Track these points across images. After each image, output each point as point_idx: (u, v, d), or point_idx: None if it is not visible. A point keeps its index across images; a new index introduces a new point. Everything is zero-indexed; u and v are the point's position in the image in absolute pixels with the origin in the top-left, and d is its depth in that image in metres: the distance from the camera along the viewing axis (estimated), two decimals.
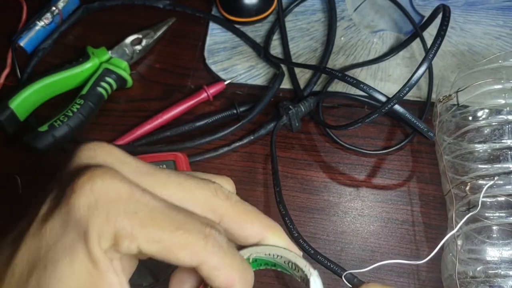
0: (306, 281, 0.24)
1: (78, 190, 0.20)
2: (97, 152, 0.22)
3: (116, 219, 0.20)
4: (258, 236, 0.24)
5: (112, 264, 0.20)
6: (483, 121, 0.42)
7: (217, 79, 0.53)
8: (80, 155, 0.22)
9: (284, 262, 0.24)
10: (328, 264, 0.38)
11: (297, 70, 0.53)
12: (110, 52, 0.52)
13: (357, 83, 0.44)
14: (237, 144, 0.49)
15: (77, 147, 0.22)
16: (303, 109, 0.48)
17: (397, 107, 0.44)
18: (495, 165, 0.41)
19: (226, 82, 0.52)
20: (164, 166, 0.43)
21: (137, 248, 0.20)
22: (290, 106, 0.48)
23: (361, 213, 0.47)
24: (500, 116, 0.42)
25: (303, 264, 0.24)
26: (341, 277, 0.33)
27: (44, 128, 0.46)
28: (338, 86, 0.52)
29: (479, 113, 0.43)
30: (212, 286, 0.22)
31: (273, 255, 0.24)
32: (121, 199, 0.20)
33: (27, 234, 0.21)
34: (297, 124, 0.48)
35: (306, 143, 0.50)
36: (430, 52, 0.41)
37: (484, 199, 0.40)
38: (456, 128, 0.44)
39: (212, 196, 0.23)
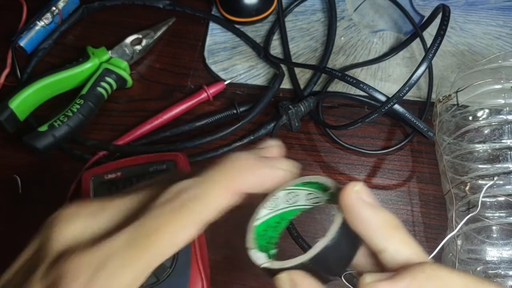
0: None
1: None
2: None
3: None
4: None
5: None
6: (483, 121, 0.42)
7: (217, 79, 0.53)
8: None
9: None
10: None
11: (297, 70, 0.53)
12: (110, 52, 0.52)
13: (357, 83, 0.44)
14: (237, 144, 0.49)
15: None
16: (302, 109, 0.48)
17: (397, 106, 0.44)
18: (495, 165, 0.41)
19: (226, 82, 0.52)
20: (164, 166, 0.43)
21: None
22: (290, 106, 0.48)
23: None
24: (500, 116, 0.42)
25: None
26: (341, 277, 0.33)
27: (44, 128, 0.46)
28: (338, 86, 0.52)
29: (479, 113, 0.43)
30: None
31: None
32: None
33: None
34: (296, 124, 0.48)
35: (306, 143, 0.50)
36: (429, 51, 0.41)
37: (484, 199, 0.40)
38: (456, 128, 0.44)
39: None
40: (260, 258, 0.24)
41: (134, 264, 0.21)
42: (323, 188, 0.25)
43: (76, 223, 0.22)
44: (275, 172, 0.24)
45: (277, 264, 0.23)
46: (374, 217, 0.23)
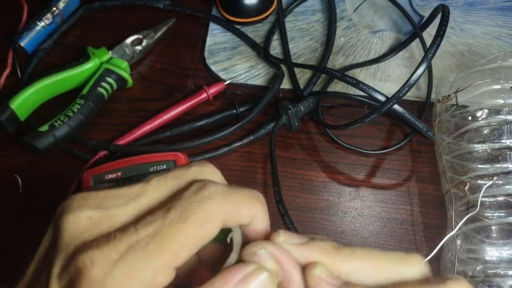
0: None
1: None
2: None
3: None
4: None
5: None
6: (482, 121, 0.42)
7: (217, 79, 0.53)
8: None
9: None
10: None
11: (297, 70, 0.53)
12: (110, 52, 0.52)
13: (356, 83, 0.44)
14: (237, 144, 0.49)
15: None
16: (302, 109, 0.48)
17: (396, 107, 0.44)
18: (494, 165, 0.41)
19: (226, 82, 0.52)
20: (164, 166, 0.43)
21: None
22: (290, 106, 0.48)
23: (361, 213, 0.47)
24: (499, 116, 0.42)
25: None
26: None
27: (44, 128, 0.46)
28: (337, 86, 0.52)
29: (478, 113, 0.43)
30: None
31: None
32: None
33: None
34: (296, 124, 0.48)
35: (305, 143, 0.50)
36: (429, 52, 0.41)
37: (483, 199, 0.40)
38: (455, 128, 0.44)
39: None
40: None
41: (157, 257, 0.20)
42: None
43: (86, 213, 0.22)
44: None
45: None
46: None
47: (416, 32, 0.53)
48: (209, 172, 0.24)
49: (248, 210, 0.24)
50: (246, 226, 0.24)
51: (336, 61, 0.54)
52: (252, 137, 0.49)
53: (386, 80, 0.52)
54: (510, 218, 0.40)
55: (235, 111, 0.50)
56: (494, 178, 0.41)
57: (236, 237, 0.24)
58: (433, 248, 0.40)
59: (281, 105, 0.49)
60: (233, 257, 0.23)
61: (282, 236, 0.24)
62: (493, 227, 0.41)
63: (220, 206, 0.22)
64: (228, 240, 0.24)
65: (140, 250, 0.20)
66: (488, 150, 0.42)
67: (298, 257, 0.23)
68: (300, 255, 0.23)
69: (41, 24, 0.53)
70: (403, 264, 0.23)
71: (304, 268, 0.23)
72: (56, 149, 0.48)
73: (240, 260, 0.23)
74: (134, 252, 0.20)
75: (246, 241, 0.24)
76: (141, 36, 0.54)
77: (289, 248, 0.23)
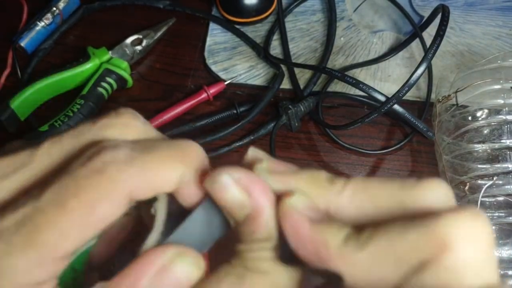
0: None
1: None
2: None
3: None
4: None
5: None
6: (482, 121, 0.42)
7: (217, 79, 0.53)
8: None
9: None
10: None
11: (297, 70, 0.53)
12: (110, 52, 0.52)
13: (356, 83, 0.44)
14: (237, 144, 0.49)
15: None
16: (302, 109, 0.48)
17: (396, 107, 0.44)
18: (494, 165, 0.41)
19: (226, 82, 0.52)
20: None
21: None
22: (290, 106, 0.48)
23: None
24: (499, 116, 0.42)
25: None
26: None
27: (44, 128, 0.46)
28: (338, 86, 0.52)
29: (478, 113, 0.43)
30: None
31: None
32: None
33: None
34: (296, 124, 0.48)
35: (305, 143, 0.50)
36: (429, 52, 0.42)
37: (483, 199, 0.41)
38: (455, 128, 0.44)
39: None
40: None
41: (25, 252, 0.17)
42: None
43: None
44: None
45: None
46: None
47: (416, 32, 0.53)
48: (119, 127, 0.20)
49: (166, 176, 0.19)
50: (177, 193, 0.20)
51: (336, 61, 0.54)
52: (252, 137, 0.49)
53: (386, 80, 0.52)
54: (510, 218, 0.41)
55: (235, 111, 0.50)
56: (494, 178, 0.41)
57: (160, 210, 0.20)
58: None
59: (281, 105, 0.49)
60: (153, 237, 0.19)
61: (265, 164, 0.20)
62: (493, 227, 0.41)
63: (117, 179, 0.18)
64: (152, 211, 0.20)
65: (3, 243, 0.17)
66: (488, 150, 0.42)
67: (279, 187, 0.19)
68: (283, 185, 0.19)
69: (41, 24, 0.53)
70: (413, 190, 0.18)
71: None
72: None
73: (161, 241, 0.19)
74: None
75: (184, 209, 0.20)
76: (141, 36, 0.54)
77: (267, 177, 0.19)
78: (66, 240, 0.17)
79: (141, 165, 0.18)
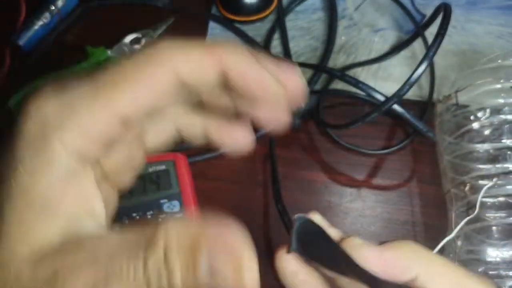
0: None
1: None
2: None
3: None
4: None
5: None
6: (483, 121, 0.42)
7: None
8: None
9: None
10: None
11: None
12: (109, 51, 0.52)
13: (356, 83, 0.43)
14: None
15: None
16: (303, 106, 0.48)
17: (396, 107, 0.43)
18: (494, 165, 0.41)
19: None
20: (163, 166, 0.43)
21: None
22: None
23: (362, 213, 0.46)
24: (500, 116, 0.42)
25: None
26: None
27: None
28: (338, 86, 0.52)
29: (479, 113, 0.43)
30: None
31: None
32: None
33: None
34: (297, 121, 0.48)
35: (306, 143, 0.50)
36: (430, 50, 0.41)
37: (484, 199, 0.40)
38: (456, 128, 0.43)
39: None
40: None
41: (103, 107, 0.19)
42: None
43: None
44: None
45: None
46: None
47: (418, 31, 0.52)
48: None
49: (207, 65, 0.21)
50: (229, 77, 0.21)
51: (337, 60, 0.53)
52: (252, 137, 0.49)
53: (388, 79, 0.52)
54: (511, 218, 0.40)
55: None
56: (494, 179, 0.40)
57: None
58: (433, 249, 0.40)
59: None
60: None
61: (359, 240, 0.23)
62: (494, 228, 0.40)
63: (165, 55, 0.21)
64: None
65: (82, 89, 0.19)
66: (490, 151, 0.42)
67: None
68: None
69: (39, 23, 0.53)
70: None
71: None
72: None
73: None
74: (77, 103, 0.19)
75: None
76: (140, 35, 0.53)
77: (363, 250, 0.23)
78: (135, 100, 0.19)
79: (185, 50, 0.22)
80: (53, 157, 0.18)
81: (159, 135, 0.26)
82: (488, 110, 0.43)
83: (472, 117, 0.43)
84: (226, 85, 0.22)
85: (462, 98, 0.44)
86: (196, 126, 0.26)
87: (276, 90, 0.22)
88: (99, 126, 0.19)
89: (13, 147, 0.19)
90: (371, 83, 0.45)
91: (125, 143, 0.22)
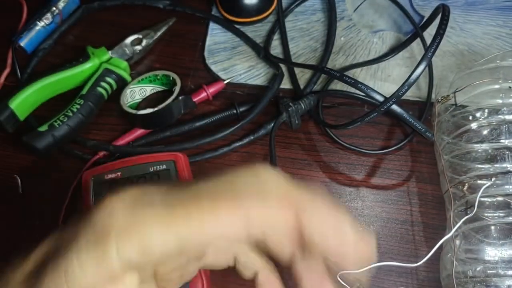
0: None
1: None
2: None
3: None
4: None
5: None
6: (481, 121, 0.42)
7: (217, 79, 0.53)
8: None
9: None
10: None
11: (297, 70, 0.53)
12: (110, 52, 0.52)
13: (355, 83, 0.44)
14: (237, 144, 0.49)
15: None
16: (303, 107, 0.48)
17: (395, 107, 0.44)
18: (493, 165, 0.41)
19: (225, 81, 0.52)
20: (164, 166, 0.43)
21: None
22: (290, 104, 0.48)
23: (361, 213, 0.47)
24: (498, 116, 0.42)
25: None
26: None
27: (44, 128, 0.46)
28: (338, 87, 0.52)
29: (478, 113, 0.43)
30: None
31: None
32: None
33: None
34: (296, 122, 0.48)
35: (305, 143, 0.50)
36: (429, 50, 0.41)
37: (483, 199, 0.40)
38: (455, 128, 0.44)
39: None
40: None
41: (169, 233, 0.20)
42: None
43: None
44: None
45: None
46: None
47: (417, 31, 0.52)
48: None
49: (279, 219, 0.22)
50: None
51: (337, 61, 0.54)
52: (252, 137, 0.49)
53: (386, 80, 0.52)
54: (509, 218, 0.40)
55: (235, 111, 0.50)
56: (493, 179, 0.40)
57: None
58: (432, 248, 0.40)
59: (282, 102, 0.49)
60: None
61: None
62: (492, 227, 0.41)
63: (238, 202, 0.21)
64: None
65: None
66: (489, 150, 0.42)
67: None
68: None
69: (41, 24, 0.53)
70: None
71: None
72: (56, 149, 0.48)
73: None
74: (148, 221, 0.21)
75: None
76: (140, 36, 0.54)
77: None
78: (199, 235, 0.20)
79: (261, 203, 0.21)
80: (104, 259, 0.20)
81: (218, 258, 0.27)
82: (486, 110, 0.43)
83: (470, 117, 0.43)
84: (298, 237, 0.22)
85: (461, 98, 0.44)
86: (252, 265, 0.28)
87: (354, 260, 0.23)
88: (159, 248, 0.20)
89: (76, 227, 0.21)
90: (370, 83, 0.45)
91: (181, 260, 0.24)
